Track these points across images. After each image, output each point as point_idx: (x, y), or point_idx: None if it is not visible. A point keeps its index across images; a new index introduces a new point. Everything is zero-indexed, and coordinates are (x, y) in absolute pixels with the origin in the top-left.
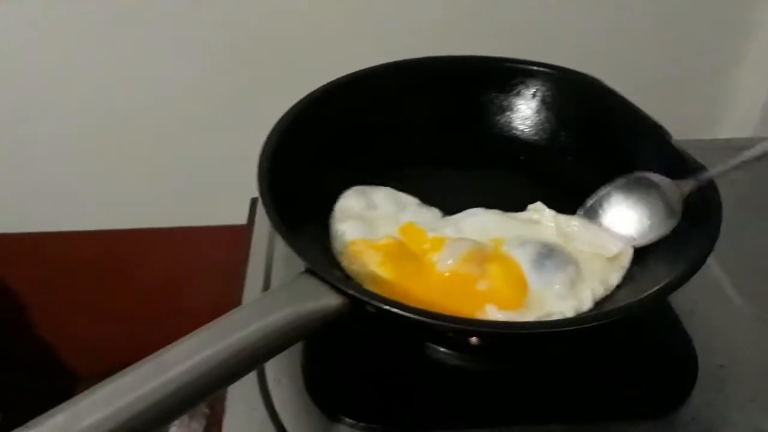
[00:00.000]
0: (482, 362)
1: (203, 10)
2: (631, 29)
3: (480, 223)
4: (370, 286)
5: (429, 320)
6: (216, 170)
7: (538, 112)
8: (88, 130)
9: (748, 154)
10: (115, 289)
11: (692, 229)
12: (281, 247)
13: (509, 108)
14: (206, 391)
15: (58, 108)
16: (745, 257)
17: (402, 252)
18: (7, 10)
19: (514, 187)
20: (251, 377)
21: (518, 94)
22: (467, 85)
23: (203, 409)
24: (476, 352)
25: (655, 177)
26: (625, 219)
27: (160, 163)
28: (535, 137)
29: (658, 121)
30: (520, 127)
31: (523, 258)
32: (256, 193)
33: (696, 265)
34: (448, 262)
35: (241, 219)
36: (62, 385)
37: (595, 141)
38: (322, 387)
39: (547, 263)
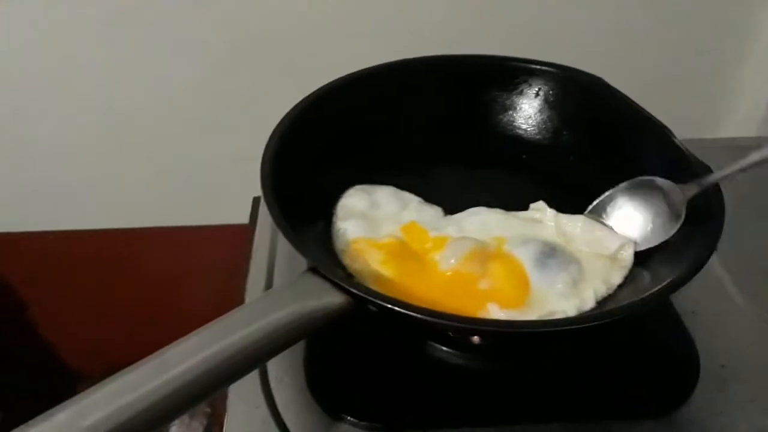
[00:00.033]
0: (484, 361)
1: (203, 10)
2: (632, 29)
3: (482, 222)
4: (372, 285)
5: (431, 319)
6: (216, 170)
7: (541, 111)
8: (88, 130)
9: (752, 159)
10: (116, 288)
11: (694, 230)
12: (283, 245)
13: (512, 107)
14: (208, 390)
15: (58, 108)
16: (747, 257)
17: (404, 251)
18: (7, 10)
19: (516, 186)
20: (253, 376)
21: (521, 93)
22: (470, 84)
23: (204, 408)
24: (478, 351)
25: (660, 181)
26: (628, 222)
27: (161, 162)
28: (538, 136)
29: (661, 121)
30: (523, 126)
31: (525, 257)
32: (257, 193)
33: (698, 265)
34: (450, 261)
35: (242, 218)
36: (62, 385)
37: (598, 140)
38: (324, 386)
39: (550, 262)
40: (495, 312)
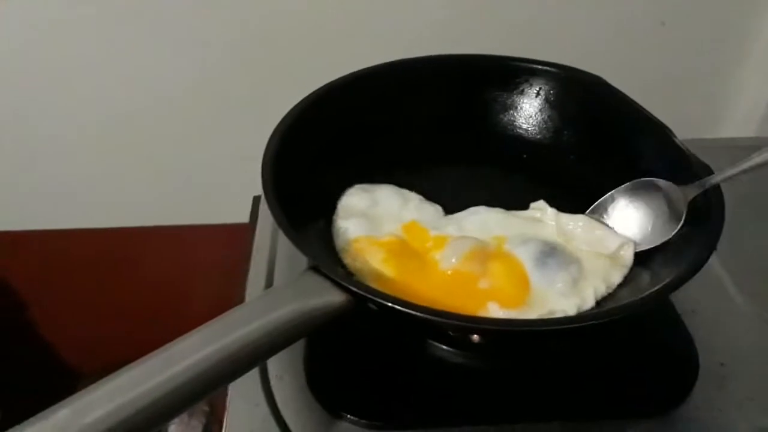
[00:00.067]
0: (484, 360)
1: (203, 10)
2: (632, 29)
3: (482, 222)
4: (372, 284)
5: (432, 317)
6: (216, 169)
7: (541, 110)
8: (88, 130)
9: (754, 161)
10: (116, 287)
11: (694, 230)
12: (284, 245)
13: (513, 106)
14: (208, 388)
15: (58, 108)
16: (746, 256)
17: (405, 250)
18: (7, 10)
19: (516, 185)
20: (253, 374)
21: (522, 92)
22: (470, 84)
23: (203, 406)
24: (478, 349)
25: (661, 183)
26: (628, 223)
27: (161, 162)
28: (538, 136)
29: (662, 121)
30: (524, 126)
31: (525, 256)
32: (257, 192)
33: (697, 264)
34: (451, 260)
35: (242, 217)
36: (63, 384)
37: (598, 140)
38: (325, 384)
39: (550, 261)
40: (495, 311)
